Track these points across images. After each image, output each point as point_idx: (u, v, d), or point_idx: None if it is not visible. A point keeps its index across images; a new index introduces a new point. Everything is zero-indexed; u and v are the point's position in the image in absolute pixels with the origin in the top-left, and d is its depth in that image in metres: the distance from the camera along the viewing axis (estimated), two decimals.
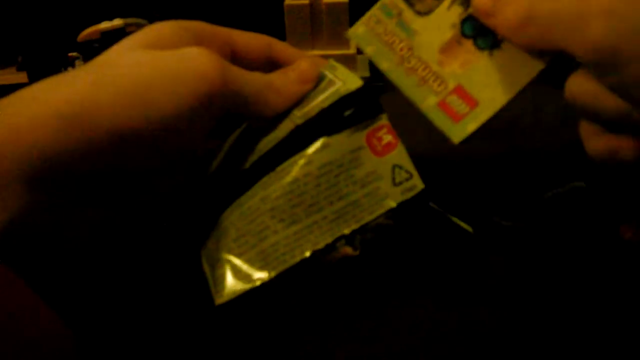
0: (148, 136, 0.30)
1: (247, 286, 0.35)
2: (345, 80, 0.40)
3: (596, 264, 0.39)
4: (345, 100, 0.39)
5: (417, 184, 0.38)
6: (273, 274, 0.35)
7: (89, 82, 0.30)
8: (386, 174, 0.37)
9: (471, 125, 0.38)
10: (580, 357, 0.32)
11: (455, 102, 0.38)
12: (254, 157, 0.39)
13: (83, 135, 0.28)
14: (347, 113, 0.38)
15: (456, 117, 0.38)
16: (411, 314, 0.36)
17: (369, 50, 0.41)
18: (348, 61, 0.73)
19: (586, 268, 0.39)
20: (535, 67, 0.35)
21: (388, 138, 0.38)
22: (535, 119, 0.61)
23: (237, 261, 0.36)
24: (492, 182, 0.49)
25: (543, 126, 0.60)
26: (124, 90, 0.29)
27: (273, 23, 0.87)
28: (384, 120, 0.39)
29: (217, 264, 0.36)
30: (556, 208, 0.45)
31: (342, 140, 0.37)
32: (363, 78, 0.75)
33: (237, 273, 0.35)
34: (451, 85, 0.38)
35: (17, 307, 0.27)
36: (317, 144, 0.37)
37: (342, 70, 0.41)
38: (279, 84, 0.37)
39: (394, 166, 0.37)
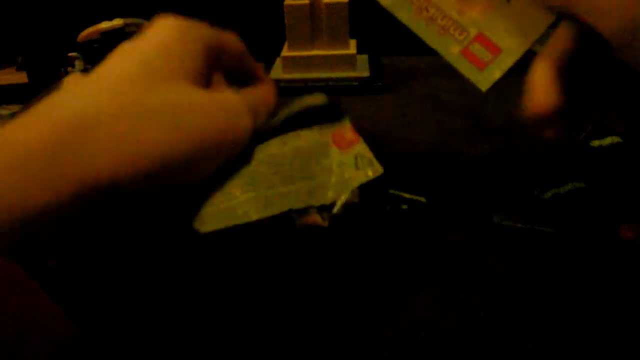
0: (199, 177, 0.35)
1: (232, 222, 0.38)
2: (314, 97, 0.45)
3: (596, 263, 0.39)
4: (313, 109, 0.44)
5: (377, 168, 0.43)
6: (255, 216, 0.39)
7: (166, 130, 0.31)
8: (350, 162, 0.42)
9: (497, 72, 0.39)
10: (580, 357, 0.32)
11: (478, 49, 0.39)
12: None
13: (155, 186, 0.31)
14: (314, 117, 0.43)
15: (481, 65, 0.39)
16: (411, 314, 0.36)
17: (385, 1, 0.42)
18: (348, 61, 0.73)
19: (586, 268, 0.39)
20: (550, 15, 0.37)
21: (351, 136, 0.43)
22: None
23: (223, 203, 0.39)
24: (491, 182, 0.49)
25: None
26: (194, 150, 0.33)
27: (273, 23, 0.87)
28: (347, 123, 0.44)
29: (203, 206, 0.39)
30: (556, 208, 0.45)
31: (312, 134, 0.42)
32: (363, 77, 0.76)
33: (223, 212, 0.39)
34: (472, 33, 0.39)
35: (20, 301, 0.27)
36: (291, 134, 0.42)
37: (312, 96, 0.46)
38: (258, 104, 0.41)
39: (357, 156, 0.42)
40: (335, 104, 0.44)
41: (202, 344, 0.34)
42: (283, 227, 0.40)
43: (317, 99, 0.45)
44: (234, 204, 0.39)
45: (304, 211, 0.41)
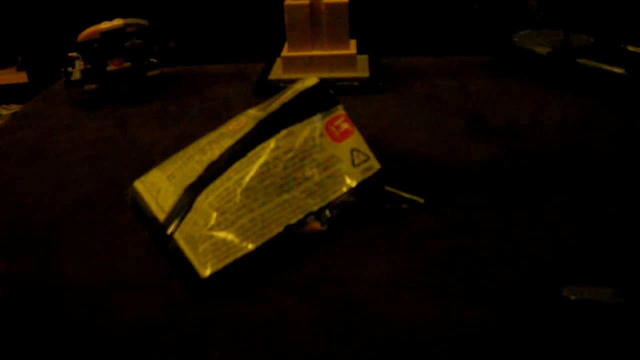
0: None
1: (231, 258, 0.38)
2: (304, 81, 0.45)
3: (597, 262, 0.39)
4: (304, 95, 0.43)
5: (374, 164, 0.43)
6: (252, 246, 0.39)
7: None
8: (345, 157, 0.42)
9: None
10: (579, 357, 0.32)
11: None
12: (222, 149, 0.43)
13: None
14: (305, 105, 0.43)
15: None
16: (411, 314, 0.36)
17: None
18: (348, 61, 0.73)
19: (587, 266, 0.39)
20: None
21: (345, 126, 0.43)
22: (535, 119, 0.61)
23: (219, 236, 0.39)
24: (491, 182, 0.49)
25: (543, 126, 0.60)
26: None
27: (273, 23, 0.87)
28: (340, 110, 0.43)
29: (199, 242, 0.39)
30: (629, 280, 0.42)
31: (303, 129, 0.42)
32: (363, 78, 0.76)
33: (220, 247, 0.39)
34: None
35: None
36: (282, 133, 0.42)
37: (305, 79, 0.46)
38: None
39: (352, 150, 0.42)
40: (326, 85, 0.44)
41: (204, 347, 0.34)
42: (282, 244, 0.40)
43: (308, 82, 0.44)
44: (231, 238, 0.39)
45: (302, 223, 0.40)
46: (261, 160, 0.41)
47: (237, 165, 0.41)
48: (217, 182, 0.41)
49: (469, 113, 0.64)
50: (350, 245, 0.42)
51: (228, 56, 0.92)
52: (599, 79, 0.65)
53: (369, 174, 0.43)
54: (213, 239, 0.39)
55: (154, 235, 0.42)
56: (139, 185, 0.44)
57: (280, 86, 0.49)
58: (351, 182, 0.42)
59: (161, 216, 0.41)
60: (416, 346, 0.33)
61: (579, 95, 0.66)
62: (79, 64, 0.72)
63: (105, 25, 0.70)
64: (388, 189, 0.46)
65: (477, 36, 0.78)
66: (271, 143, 0.41)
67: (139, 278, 0.40)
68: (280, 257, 0.41)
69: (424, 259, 0.40)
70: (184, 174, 0.42)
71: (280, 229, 0.40)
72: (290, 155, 0.41)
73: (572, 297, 0.36)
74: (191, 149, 0.45)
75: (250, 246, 0.39)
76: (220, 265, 0.38)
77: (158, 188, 0.43)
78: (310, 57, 0.74)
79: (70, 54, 0.73)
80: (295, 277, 0.39)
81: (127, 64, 0.72)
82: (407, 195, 0.46)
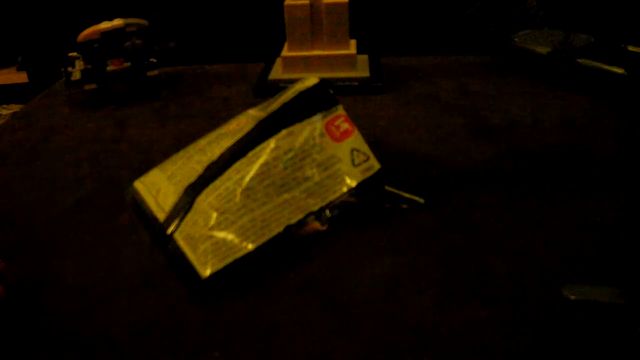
0: None
1: (231, 258, 0.38)
2: (304, 81, 0.45)
3: (597, 262, 0.39)
4: (304, 95, 0.43)
5: (374, 164, 0.43)
6: (252, 246, 0.39)
7: None
8: (345, 157, 0.42)
9: None
10: (579, 357, 0.32)
11: None
12: (222, 149, 0.43)
13: None
14: (305, 105, 0.43)
15: None
16: (411, 314, 0.36)
17: None
18: (348, 61, 0.73)
19: (587, 266, 0.39)
20: None
21: (345, 126, 0.43)
22: (535, 119, 0.61)
23: (219, 236, 0.39)
24: (491, 182, 0.49)
25: (543, 126, 0.60)
26: None
27: (273, 23, 0.87)
28: (340, 110, 0.43)
29: (199, 242, 0.39)
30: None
31: (303, 129, 0.42)
32: (363, 77, 0.76)
33: (220, 247, 0.39)
34: None
35: None
36: (282, 133, 0.42)
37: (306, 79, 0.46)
38: None
39: (352, 150, 0.42)
40: (326, 85, 0.44)
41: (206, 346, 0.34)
42: (282, 244, 0.40)
43: (308, 82, 0.44)
44: (231, 238, 0.39)
45: (302, 223, 0.41)
46: (261, 160, 0.41)
47: (237, 165, 0.41)
48: (217, 182, 0.41)
49: (469, 113, 0.64)
50: (350, 245, 0.42)
51: (228, 56, 0.92)
52: (599, 79, 0.65)
53: (369, 174, 0.43)
54: (213, 239, 0.39)
55: (154, 235, 0.42)
56: (139, 185, 0.44)
57: (280, 86, 0.49)
58: (351, 182, 0.42)
59: (161, 216, 0.41)
60: (416, 346, 0.33)
61: (579, 95, 0.66)
62: (79, 64, 0.72)
63: (105, 25, 0.70)
64: (388, 189, 0.46)
65: (477, 36, 0.78)
66: (271, 143, 0.41)
67: (139, 278, 0.40)
68: (280, 257, 0.41)
69: (424, 259, 0.40)
70: (184, 174, 0.42)
71: (280, 229, 0.40)
72: (290, 155, 0.41)
73: (572, 297, 0.36)
74: (191, 149, 0.45)
75: (250, 246, 0.39)
76: (221, 265, 0.38)
77: (158, 188, 0.43)
78: (310, 57, 0.74)
79: (70, 54, 0.73)
80: (295, 277, 0.39)
81: (127, 64, 0.72)
82: (407, 195, 0.46)
